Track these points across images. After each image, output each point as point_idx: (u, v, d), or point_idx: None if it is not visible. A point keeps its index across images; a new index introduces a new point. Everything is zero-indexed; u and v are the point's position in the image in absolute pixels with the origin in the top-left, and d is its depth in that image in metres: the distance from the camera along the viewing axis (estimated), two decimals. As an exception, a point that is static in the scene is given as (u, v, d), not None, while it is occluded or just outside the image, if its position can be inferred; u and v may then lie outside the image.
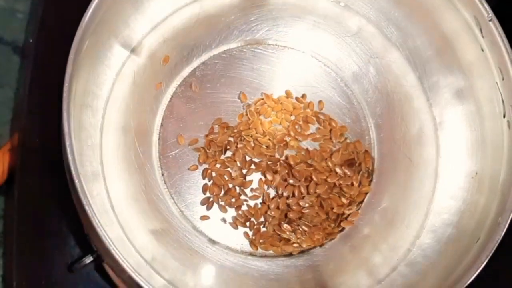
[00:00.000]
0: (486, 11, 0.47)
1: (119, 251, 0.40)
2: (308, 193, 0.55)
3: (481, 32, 0.48)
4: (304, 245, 0.54)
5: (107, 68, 0.54)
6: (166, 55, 0.56)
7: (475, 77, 0.51)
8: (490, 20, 0.46)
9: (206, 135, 0.56)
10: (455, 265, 0.48)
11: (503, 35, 0.46)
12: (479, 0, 0.48)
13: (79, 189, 0.40)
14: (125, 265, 0.40)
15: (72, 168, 0.40)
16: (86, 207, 0.39)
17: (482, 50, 0.49)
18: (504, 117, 0.48)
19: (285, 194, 0.55)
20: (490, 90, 0.50)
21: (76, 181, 0.40)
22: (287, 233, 0.53)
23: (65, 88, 0.42)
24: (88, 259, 0.50)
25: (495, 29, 0.47)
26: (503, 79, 0.47)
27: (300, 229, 0.54)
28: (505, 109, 0.48)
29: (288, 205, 0.55)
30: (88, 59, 0.49)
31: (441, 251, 0.51)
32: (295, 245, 0.54)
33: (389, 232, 0.54)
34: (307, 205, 0.54)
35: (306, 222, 0.54)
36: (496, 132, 0.49)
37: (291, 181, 0.55)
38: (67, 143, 0.41)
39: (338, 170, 0.55)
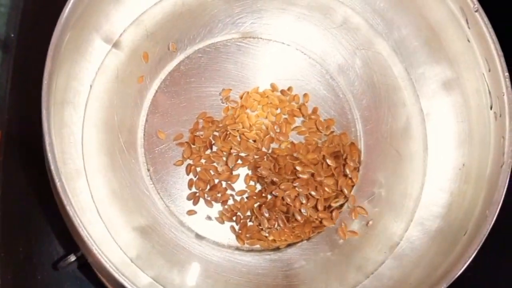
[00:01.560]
0: (472, 2, 0.46)
1: (102, 251, 0.40)
2: (294, 187, 0.54)
3: (467, 23, 0.48)
4: (290, 239, 0.53)
5: (89, 63, 0.53)
6: (145, 52, 0.55)
7: (462, 68, 0.51)
8: (476, 11, 0.46)
9: (191, 130, 0.55)
10: (443, 257, 0.48)
11: (489, 26, 0.46)
12: (464, -9, 0.47)
13: (59, 189, 0.39)
14: (107, 265, 0.39)
15: (52, 167, 0.40)
16: (67, 207, 0.39)
17: (469, 41, 0.49)
18: (491, 108, 0.47)
19: (271, 188, 0.54)
20: (477, 81, 0.49)
21: (57, 180, 0.39)
22: (265, 227, 0.52)
23: (44, 86, 0.41)
24: (73, 258, 0.49)
25: (481, 20, 0.46)
26: (489, 70, 0.47)
27: (280, 223, 0.53)
28: (491, 100, 0.47)
29: (274, 199, 0.54)
30: (69, 55, 0.48)
31: (429, 244, 0.51)
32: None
33: (377, 225, 0.54)
34: (293, 198, 0.53)
35: (293, 216, 0.53)
36: (483, 124, 0.49)
37: (277, 175, 0.54)
38: (47, 142, 0.40)
39: (324, 163, 0.54)
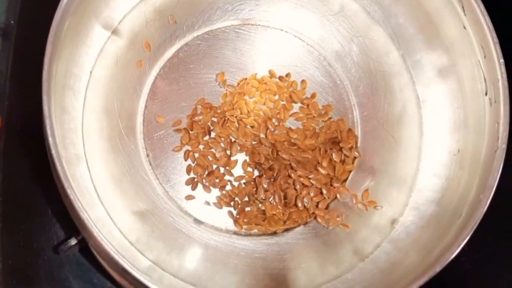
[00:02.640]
0: (468, -11, 0.47)
1: (102, 234, 0.40)
2: (292, 172, 0.55)
3: (463, 10, 0.48)
4: (288, 223, 0.54)
5: (89, 49, 0.53)
6: (147, 41, 0.55)
7: (458, 55, 0.51)
8: (472, -2, 0.46)
9: (189, 116, 0.55)
10: (438, 241, 0.49)
11: (485, 13, 0.46)
12: (460, -22, 0.47)
13: (60, 173, 0.40)
14: (108, 248, 0.40)
15: (53, 152, 0.40)
16: (68, 191, 0.40)
17: (465, 28, 0.49)
18: (486, 94, 0.48)
19: (269, 173, 0.55)
20: (472, 68, 0.50)
21: (58, 164, 0.40)
22: (259, 197, 0.54)
23: (45, 71, 0.41)
24: (73, 241, 0.50)
25: (477, 7, 0.47)
26: (485, 57, 0.47)
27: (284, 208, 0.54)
28: (487, 87, 0.48)
29: (272, 183, 0.54)
30: (69, 41, 0.49)
31: (424, 228, 0.52)
32: (279, 223, 0.54)
33: (373, 209, 0.54)
34: (291, 183, 0.54)
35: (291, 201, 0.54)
36: (478, 110, 0.50)
37: (275, 160, 0.55)
38: (48, 127, 0.41)
39: (321, 148, 0.55)
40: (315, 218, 0.54)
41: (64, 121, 0.50)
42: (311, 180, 0.54)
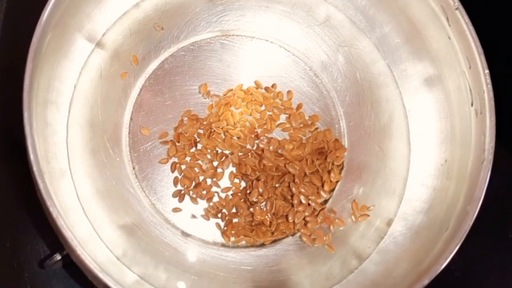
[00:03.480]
0: (453, 0, 0.46)
1: (86, 251, 0.40)
2: (279, 183, 0.54)
3: (448, 21, 0.48)
4: (276, 234, 0.54)
5: (72, 63, 0.53)
6: (134, 55, 0.55)
7: (443, 65, 0.51)
8: (456, 9, 0.46)
9: (175, 128, 0.55)
10: (426, 252, 0.49)
11: (470, 23, 0.46)
12: (445, -11, 0.47)
13: (42, 190, 0.39)
14: (91, 266, 0.39)
15: (35, 168, 0.40)
16: (51, 208, 0.39)
17: (449, 38, 0.49)
18: (472, 105, 0.48)
19: (256, 184, 0.54)
20: (458, 79, 0.50)
21: (40, 182, 0.40)
22: (252, 199, 0.54)
23: (25, 87, 0.41)
24: (58, 257, 0.49)
25: (462, 18, 0.46)
26: (470, 68, 0.47)
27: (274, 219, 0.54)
28: (472, 97, 0.48)
29: (259, 195, 0.54)
30: (51, 55, 0.49)
31: (413, 239, 0.52)
32: (267, 234, 0.54)
33: (361, 220, 0.54)
34: (278, 194, 0.54)
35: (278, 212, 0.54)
36: (465, 120, 0.50)
37: (262, 172, 0.54)
38: (29, 143, 0.40)
39: (309, 159, 0.55)
40: (299, 237, 0.53)
41: (47, 135, 0.49)
42: (310, 201, 0.53)
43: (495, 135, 0.45)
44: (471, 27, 0.46)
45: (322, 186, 0.55)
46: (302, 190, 0.54)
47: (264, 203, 0.53)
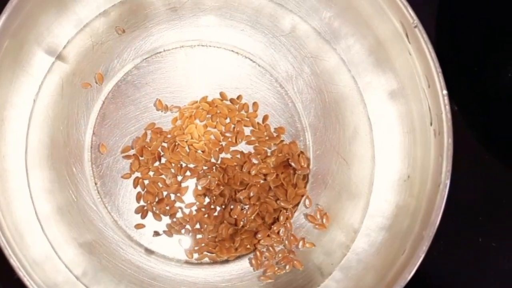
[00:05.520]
0: (412, 17, 0.46)
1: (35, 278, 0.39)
2: (243, 198, 0.54)
3: (407, 38, 0.47)
4: (239, 250, 0.53)
5: (31, 77, 0.52)
6: (100, 73, 0.55)
7: (406, 81, 0.51)
8: (415, 27, 0.45)
9: (139, 141, 0.54)
10: (387, 270, 0.49)
11: (428, 42, 0.45)
12: (404, 6, 0.46)
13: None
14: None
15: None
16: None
17: (410, 54, 0.48)
18: (431, 124, 0.47)
19: (220, 199, 0.54)
20: (419, 95, 0.49)
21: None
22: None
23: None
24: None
25: (420, 36, 0.46)
26: (429, 87, 0.46)
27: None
28: (431, 117, 0.47)
29: (223, 211, 0.54)
30: (8, 70, 0.49)
31: (375, 256, 0.51)
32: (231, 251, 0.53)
33: (324, 235, 0.54)
34: (242, 210, 0.54)
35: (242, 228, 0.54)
36: (425, 138, 0.49)
37: (226, 186, 0.54)
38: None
39: (273, 173, 0.54)
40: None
41: (4, 152, 0.49)
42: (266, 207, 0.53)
43: (452, 157, 0.44)
44: (430, 46, 0.45)
45: (287, 199, 0.54)
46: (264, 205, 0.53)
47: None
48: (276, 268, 0.52)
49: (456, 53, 0.58)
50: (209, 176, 0.54)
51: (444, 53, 0.48)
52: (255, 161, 0.55)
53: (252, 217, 0.54)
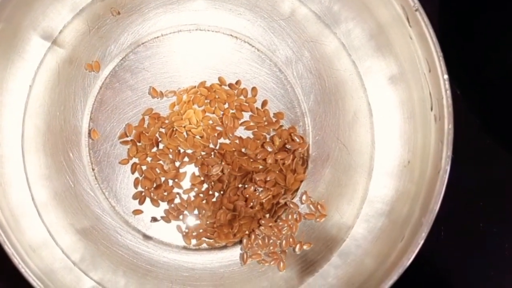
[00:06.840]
0: (413, 1, 0.45)
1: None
2: (242, 183, 0.53)
3: (408, 21, 0.46)
4: (238, 236, 0.53)
5: (27, 63, 0.52)
6: (97, 61, 0.54)
7: (407, 65, 0.50)
8: (416, 10, 0.44)
9: (136, 127, 0.54)
10: (386, 257, 0.48)
11: (430, 26, 0.44)
12: (404, -11, 0.45)
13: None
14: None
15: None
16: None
17: (411, 38, 0.47)
18: (431, 110, 0.46)
19: (218, 185, 0.54)
20: (420, 80, 0.48)
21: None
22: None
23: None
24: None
25: (421, 20, 0.45)
26: (430, 71, 0.45)
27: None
28: (432, 102, 0.46)
29: (221, 197, 0.53)
30: (4, 55, 0.48)
31: (374, 242, 0.51)
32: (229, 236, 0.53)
33: (324, 221, 0.53)
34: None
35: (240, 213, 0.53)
36: (426, 124, 0.48)
37: (225, 172, 0.54)
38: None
39: (272, 158, 0.54)
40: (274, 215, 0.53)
41: (1, 139, 0.48)
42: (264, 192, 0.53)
43: (452, 143, 0.43)
44: (431, 30, 0.44)
45: (286, 185, 0.54)
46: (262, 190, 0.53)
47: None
48: (261, 259, 0.52)
49: (459, 38, 0.57)
50: (222, 163, 0.53)
51: (446, 37, 0.47)
52: (269, 149, 0.54)
53: (264, 200, 0.53)
